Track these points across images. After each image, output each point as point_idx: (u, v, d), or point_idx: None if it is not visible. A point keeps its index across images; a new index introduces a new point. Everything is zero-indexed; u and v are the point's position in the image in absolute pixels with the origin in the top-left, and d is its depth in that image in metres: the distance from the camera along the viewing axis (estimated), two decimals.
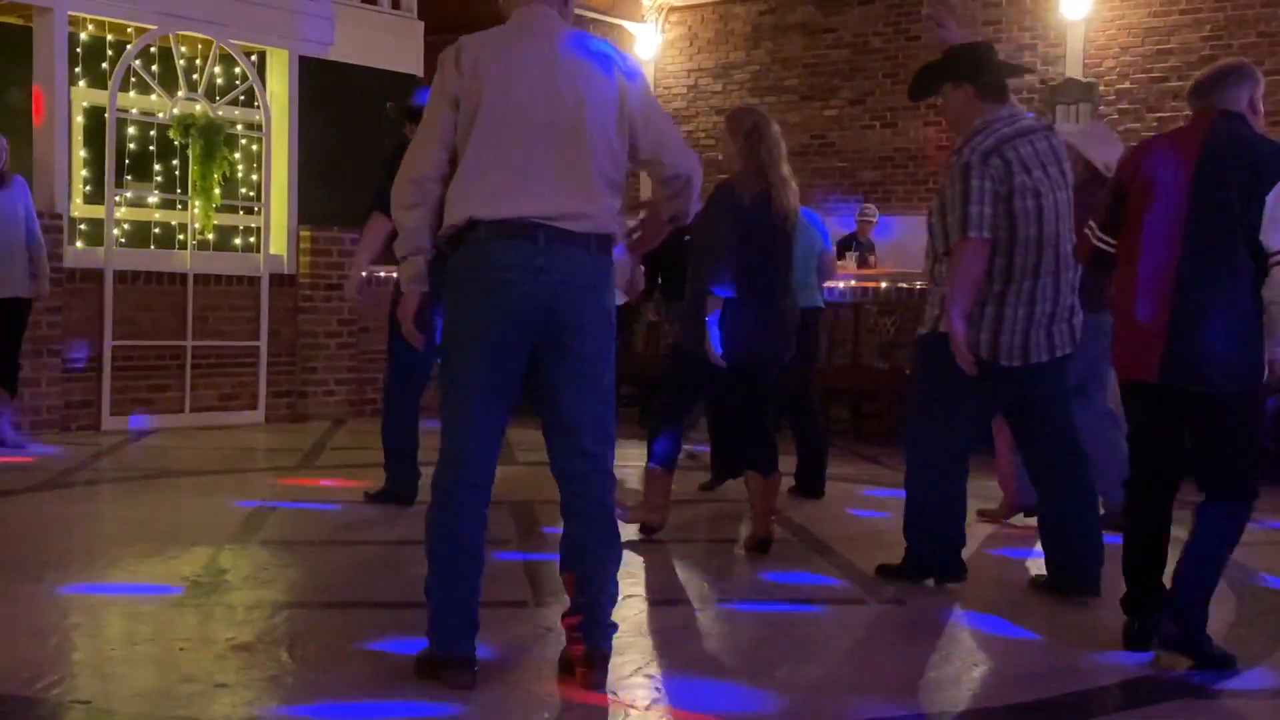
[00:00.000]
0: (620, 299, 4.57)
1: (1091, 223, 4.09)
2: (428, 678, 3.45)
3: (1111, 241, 3.99)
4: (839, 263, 9.16)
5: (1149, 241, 3.86)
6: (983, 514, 6.10)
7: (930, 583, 4.75)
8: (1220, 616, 4.15)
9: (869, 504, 6.68)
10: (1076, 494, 4.66)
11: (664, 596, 4.73)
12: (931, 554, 4.73)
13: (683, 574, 5.11)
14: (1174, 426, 3.95)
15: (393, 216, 3.50)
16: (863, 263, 11.52)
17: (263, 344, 9.54)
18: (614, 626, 3.54)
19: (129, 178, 9.36)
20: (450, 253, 3.43)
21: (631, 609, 4.41)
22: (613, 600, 3.53)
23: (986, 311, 4.48)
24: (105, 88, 9.05)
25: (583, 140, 3.39)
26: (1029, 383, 4.60)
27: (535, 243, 3.33)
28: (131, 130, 9.38)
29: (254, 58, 9.77)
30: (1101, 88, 12.32)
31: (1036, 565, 5.20)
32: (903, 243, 12.35)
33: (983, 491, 6.30)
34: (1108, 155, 5.67)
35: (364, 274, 6.33)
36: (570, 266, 3.36)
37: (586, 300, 3.40)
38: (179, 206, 9.53)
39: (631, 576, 4.99)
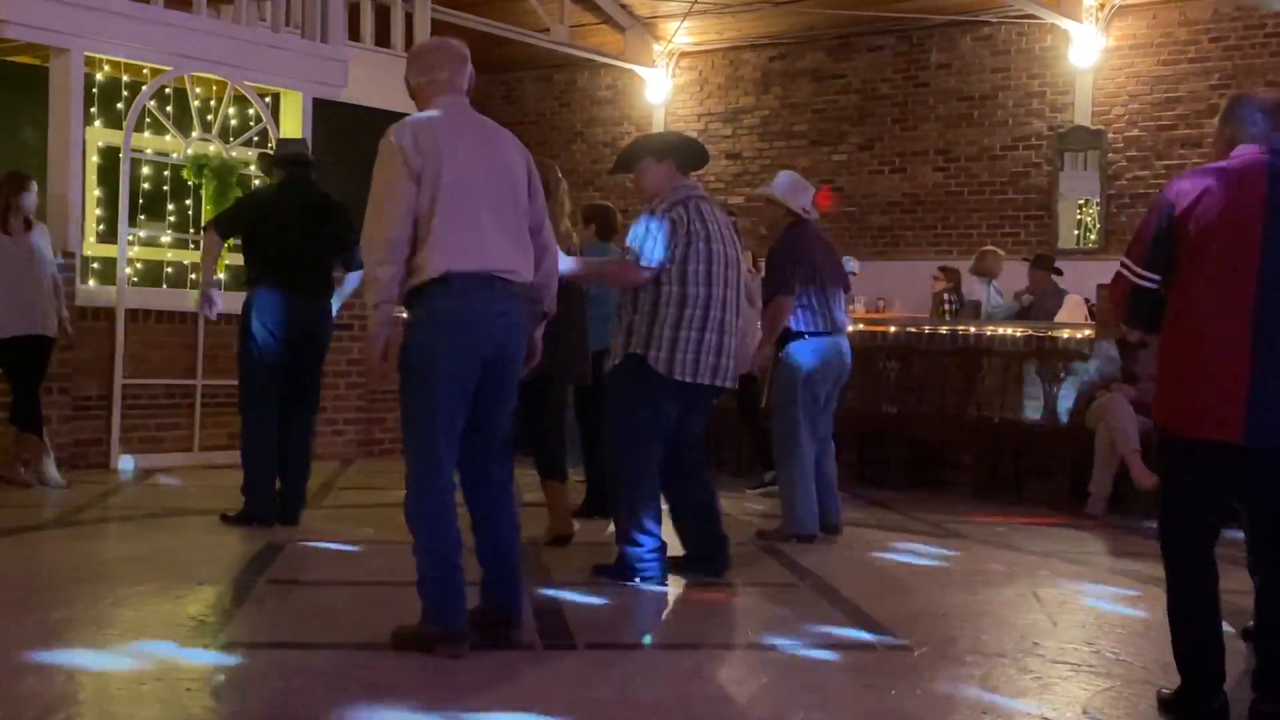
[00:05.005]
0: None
1: (1126, 260, 3.68)
2: (418, 649, 4.00)
3: (1155, 278, 3.61)
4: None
5: (1215, 284, 3.49)
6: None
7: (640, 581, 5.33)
8: None
9: (879, 547, 6.64)
10: (704, 494, 5.64)
11: (675, 641, 4.73)
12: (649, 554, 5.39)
13: (692, 618, 5.10)
14: (1226, 485, 3.63)
15: (365, 271, 4.13)
16: None
17: None
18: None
19: (142, 217, 9.42)
20: (417, 301, 4.07)
21: (645, 653, 4.39)
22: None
23: (665, 333, 5.27)
24: (120, 128, 9.13)
25: (517, 209, 4.25)
26: (692, 399, 5.42)
27: (495, 291, 4.09)
28: (145, 170, 9.45)
29: (268, 99, 9.85)
30: (1110, 135, 12.38)
31: (1054, 621, 5.18)
32: (911, 288, 12.38)
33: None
34: (804, 200, 6.64)
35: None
36: (518, 310, 4.20)
37: (524, 337, 4.28)
38: (192, 246, 9.58)
39: (642, 621, 4.98)
